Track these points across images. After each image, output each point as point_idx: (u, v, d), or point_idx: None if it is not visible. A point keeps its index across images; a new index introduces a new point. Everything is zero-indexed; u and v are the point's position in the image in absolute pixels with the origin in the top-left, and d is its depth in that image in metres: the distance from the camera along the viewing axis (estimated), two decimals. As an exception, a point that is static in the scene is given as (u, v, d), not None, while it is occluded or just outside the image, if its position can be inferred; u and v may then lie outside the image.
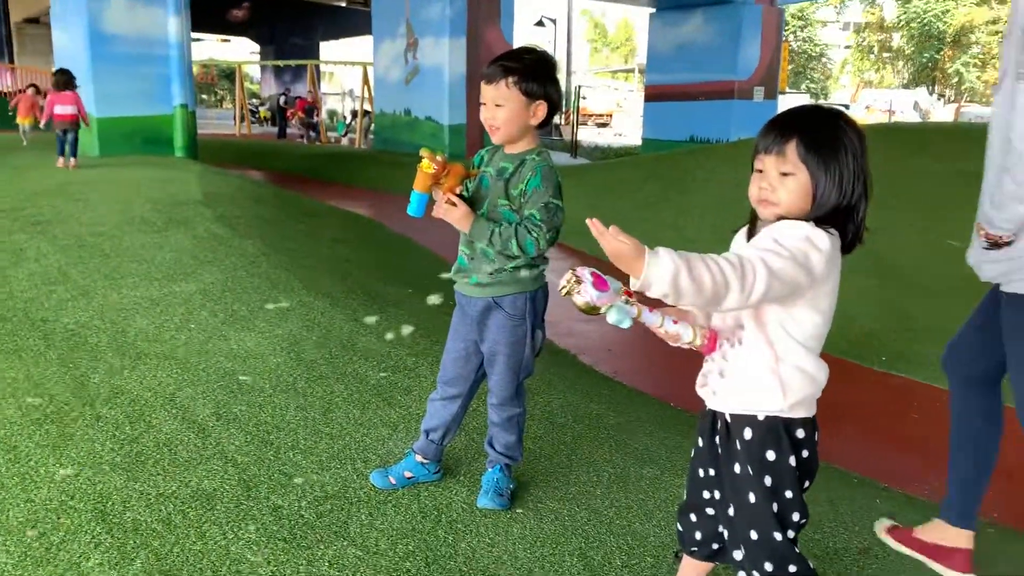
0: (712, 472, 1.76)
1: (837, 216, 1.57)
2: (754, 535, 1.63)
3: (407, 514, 2.35)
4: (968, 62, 43.39)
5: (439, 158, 2.19)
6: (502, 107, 2.18)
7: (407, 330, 3.98)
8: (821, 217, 1.56)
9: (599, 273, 1.51)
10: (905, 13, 44.59)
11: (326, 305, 4.22)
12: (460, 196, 2.24)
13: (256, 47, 36.33)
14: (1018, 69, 1.81)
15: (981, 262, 2.10)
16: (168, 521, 2.24)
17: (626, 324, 1.53)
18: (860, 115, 32.87)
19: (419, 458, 2.49)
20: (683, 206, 8.86)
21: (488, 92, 2.20)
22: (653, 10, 19.58)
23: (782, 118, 1.62)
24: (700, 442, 1.81)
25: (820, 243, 1.52)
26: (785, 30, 19.90)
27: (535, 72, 2.17)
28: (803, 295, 1.54)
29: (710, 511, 1.81)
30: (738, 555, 1.68)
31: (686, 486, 1.87)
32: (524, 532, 2.28)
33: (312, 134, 24.12)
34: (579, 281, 1.49)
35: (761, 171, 1.61)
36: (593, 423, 3.17)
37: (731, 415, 1.66)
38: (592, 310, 1.49)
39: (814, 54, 49.04)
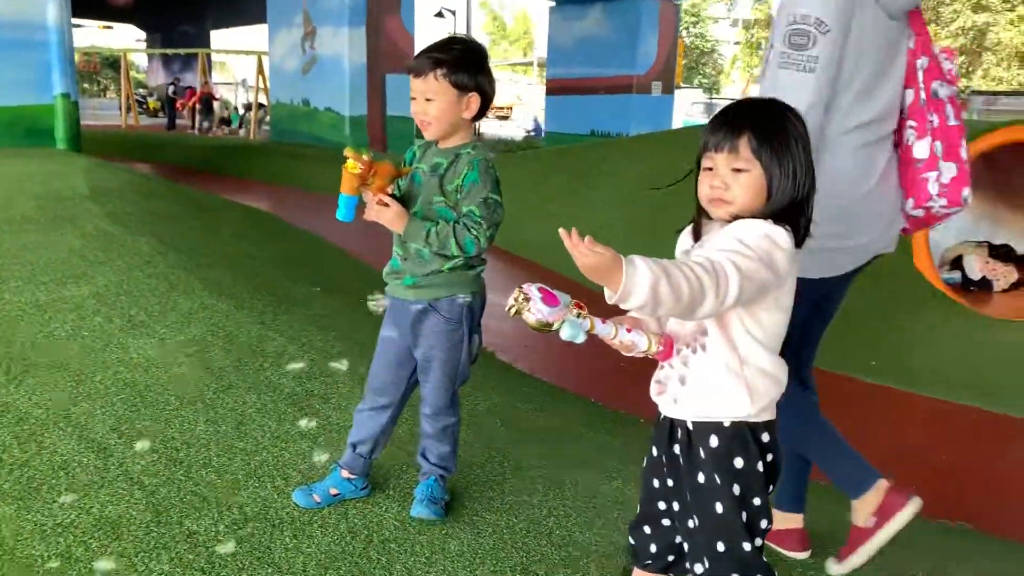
0: (670, 482, 1.68)
1: (791, 211, 1.52)
2: (721, 546, 1.57)
3: (335, 535, 2.19)
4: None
5: (365, 157, 2.04)
6: (433, 101, 2.07)
7: (320, 333, 3.79)
8: (776, 213, 1.51)
9: (547, 288, 1.42)
10: (791, 11, 46.23)
11: (230, 307, 3.98)
12: (391, 195, 2.10)
13: (142, 34, 34.72)
14: (779, 60, 1.97)
15: None
16: (68, 555, 2.02)
17: (580, 339, 1.43)
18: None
19: (345, 473, 2.34)
20: (590, 200, 8.87)
21: (417, 86, 2.08)
22: (553, 3, 19.65)
23: (730, 113, 1.56)
24: (654, 451, 1.73)
25: (781, 241, 1.48)
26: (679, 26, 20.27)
27: (465, 63, 2.06)
28: (769, 295, 1.49)
29: (666, 522, 1.74)
30: (699, 568, 1.61)
31: (639, 497, 1.79)
32: (462, 548, 2.16)
33: (205, 124, 23.22)
34: (527, 299, 1.39)
35: (711, 169, 1.54)
36: (522, 426, 3.08)
37: (693, 423, 1.59)
38: (544, 327, 1.40)
39: (706, 50, 50.40)
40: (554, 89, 19.71)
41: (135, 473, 2.42)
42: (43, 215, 5.40)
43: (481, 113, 2.14)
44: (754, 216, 1.51)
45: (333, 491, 2.34)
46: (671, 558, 1.76)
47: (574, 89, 18.89)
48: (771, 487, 1.61)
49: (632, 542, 1.81)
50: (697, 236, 1.66)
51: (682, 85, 30.51)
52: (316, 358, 3.44)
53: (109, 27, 37.24)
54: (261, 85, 21.45)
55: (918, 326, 5.65)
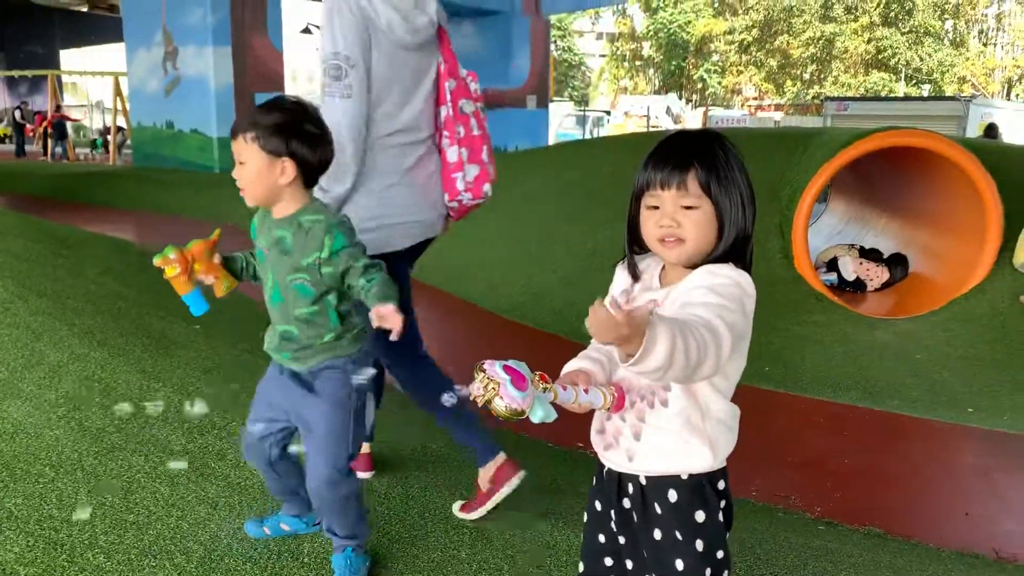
0: (621, 539, 1.58)
1: (742, 245, 1.45)
2: None
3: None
4: (710, 69, 47.45)
5: (172, 256, 1.94)
6: (244, 164, 1.94)
7: (207, 378, 3.52)
8: (729, 250, 1.44)
9: (511, 366, 1.27)
10: (653, 23, 48.00)
11: (105, 355, 3.65)
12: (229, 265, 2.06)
13: (-19, 55, 32.44)
14: (326, 90, 2.36)
15: None
16: (-69, 674, 1.74)
17: (551, 417, 1.30)
18: (619, 121, 34.92)
19: (294, 511, 2.30)
20: (479, 218, 8.77)
21: (233, 147, 1.96)
22: (424, 19, 19.55)
23: (672, 148, 1.47)
24: (597, 506, 1.63)
25: (748, 287, 1.41)
26: (550, 40, 20.57)
27: (277, 128, 1.91)
28: (741, 344, 1.41)
29: (613, 580, 1.64)
30: (660, 626, 1.52)
31: (583, 556, 1.68)
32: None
33: (59, 150, 21.82)
34: (495, 384, 1.24)
35: (657, 207, 1.46)
36: (435, 466, 2.93)
37: (647, 477, 1.49)
38: (516, 415, 1.25)
39: (574, 63, 51.52)
40: (429, 104, 19.58)
41: (8, 563, 2.13)
42: None
43: (310, 178, 2.00)
44: (709, 257, 1.44)
45: (284, 526, 2.30)
46: (622, 616, 1.66)
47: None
48: (727, 533, 1.54)
49: (579, 604, 1.69)
50: (634, 274, 1.58)
51: (554, 98, 31.01)
52: (208, 409, 3.18)
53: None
54: (119, 107, 20.40)
55: (802, 328, 5.83)
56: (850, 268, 7.19)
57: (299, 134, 1.93)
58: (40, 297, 4.54)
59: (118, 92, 20.01)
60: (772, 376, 5.11)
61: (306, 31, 28.67)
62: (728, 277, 1.40)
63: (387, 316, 1.86)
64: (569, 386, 1.36)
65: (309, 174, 1.99)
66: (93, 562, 2.16)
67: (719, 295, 1.36)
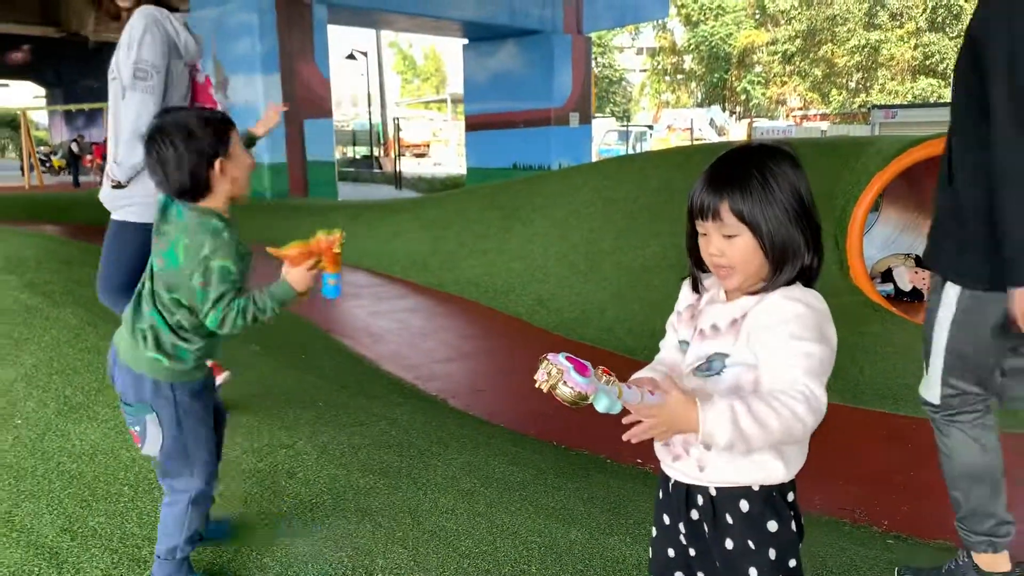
0: (692, 552, 1.59)
1: (798, 261, 1.43)
2: None
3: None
4: (753, 80, 47.10)
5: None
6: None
7: (270, 398, 3.60)
8: (785, 269, 1.42)
9: (573, 356, 1.32)
10: (694, 37, 47.84)
11: (174, 378, 3.75)
12: None
13: (40, 91, 33.54)
14: (132, 83, 3.06)
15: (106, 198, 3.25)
16: None
17: (616, 409, 1.34)
18: (663, 135, 34.82)
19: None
20: (526, 235, 8.83)
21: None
22: (466, 41, 19.77)
23: (710, 175, 1.47)
24: (665, 519, 1.63)
25: (821, 305, 1.42)
26: (591, 57, 20.63)
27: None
28: None
29: (684, 593, 1.64)
30: (735, 637, 1.52)
31: (651, 570, 1.68)
32: (468, 632, 2.02)
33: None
34: (559, 371, 1.29)
35: (705, 235, 1.48)
36: (502, 485, 2.95)
37: (718, 488, 1.50)
38: (581, 400, 1.29)
39: (615, 79, 51.56)
40: (473, 125, 19.78)
41: (94, 579, 2.20)
42: (-46, 292, 5.05)
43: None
44: (773, 283, 1.44)
45: None
46: (697, 628, 1.67)
47: (493, 124, 18.99)
48: (800, 544, 1.55)
49: (652, 620, 1.70)
50: (696, 288, 1.60)
51: (596, 115, 31.07)
52: (272, 428, 3.25)
53: (4, 85, 35.92)
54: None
55: (859, 340, 5.75)
56: (906, 278, 7.08)
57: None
58: (107, 323, 4.68)
59: (171, 122, 20.52)
60: (830, 388, 5.03)
61: (351, 57, 29.19)
62: (801, 303, 1.40)
63: None
64: (634, 387, 1.38)
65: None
66: (175, 578, 2.22)
67: (800, 339, 1.37)
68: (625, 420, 1.39)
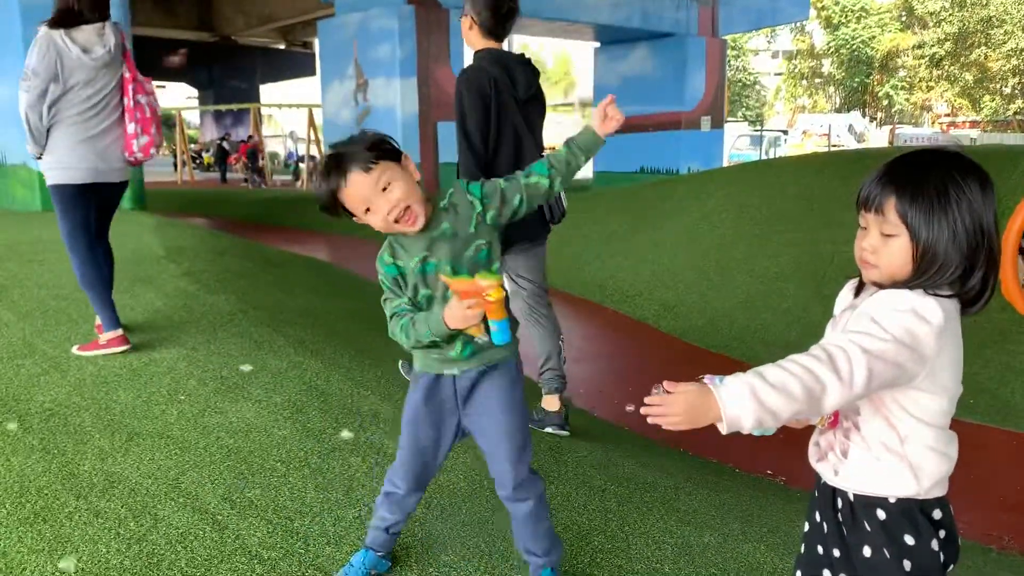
0: (836, 552, 1.57)
1: (952, 277, 1.38)
2: None
3: (465, 609, 2.11)
4: (896, 85, 44.96)
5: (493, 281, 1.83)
6: (393, 188, 1.87)
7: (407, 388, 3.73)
8: (929, 280, 1.38)
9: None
10: (834, 40, 46.09)
11: (319, 365, 3.96)
12: None
13: (193, 92, 35.73)
14: (22, 87, 3.77)
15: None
16: (199, 637, 1.97)
17: (771, 430, 1.34)
18: (797, 140, 33.70)
19: (381, 553, 2.23)
20: (654, 239, 8.78)
21: (365, 182, 1.87)
22: (598, 44, 19.76)
23: (884, 169, 1.43)
24: (817, 517, 1.63)
25: (930, 316, 1.34)
26: (725, 60, 20.21)
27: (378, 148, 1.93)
28: (919, 375, 1.37)
29: (829, 590, 1.63)
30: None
31: (798, 566, 1.68)
32: (602, 623, 2.06)
33: (256, 178, 23.66)
34: None
35: (865, 228, 1.44)
36: (633, 484, 2.97)
37: (856, 495, 1.49)
38: None
39: (748, 82, 50.28)
40: (602, 128, 19.71)
41: (252, 546, 2.37)
42: (123, 276, 5.46)
43: None
44: (900, 283, 1.39)
45: (373, 573, 2.22)
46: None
47: (622, 127, 18.88)
48: (951, 566, 1.50)
49: (801, 611, 1.69)
50: (859, 292, 1.58)
51: (728, 119, 30.44)
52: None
53: (162, 86, 38.47)
54: (312, 137, 21.87)
55: (1011, 359, 5.43)
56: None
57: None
58: (258, 310, 4.98)
59: (311, 123, 21.51)
60: (978, 408, 4.80)
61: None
62: (906, 303, 1.35)
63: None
64: None
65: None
66: (325, 551, 2.36)
67: (875, 323, 1.33)
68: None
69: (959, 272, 1.37)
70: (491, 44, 3.52)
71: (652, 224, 9.20)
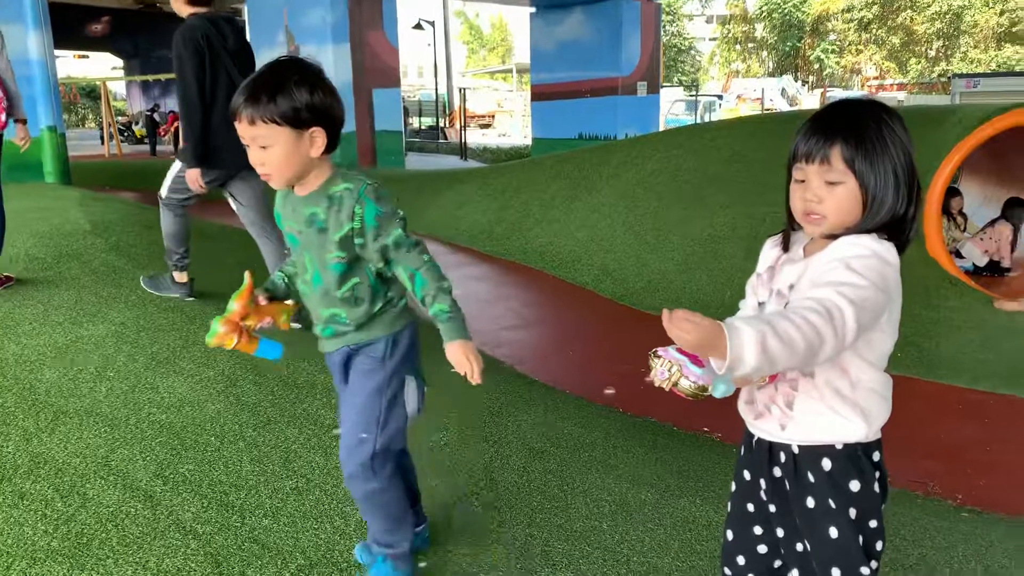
0: (772, 507, 1.61)
1: (893, 222, 1.43)
2: (836, 572, 1.49)
3: None
4: (827, 48, 45.73)
5: (223, 330, 1.80)
6: (268, 148, 1.76)
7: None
8: (879, 223, 1.42)
9: (684, 349, 1.31)
10: (766, 4, 46.58)
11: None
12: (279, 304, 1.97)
13: (119, 62, 34.47)
14: None
15: None
16: (132, 615, 1.93)
17: (731, 391, 1.35)
18: (732, 105, 34.11)
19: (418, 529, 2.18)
20: (592, 204, 8.81)
21: (243, 131, 1.76)
22: (533, 10, 19.61)
23: (821, 120, 1.46)
24: (746, 475, 1.65)
25: (890, 257, 1.39)
26: (660, 25, 20.25)
27: (299, 98, 1.74)
28: (882, 318, 1.41)
29: (762, 549, 1.66)
30: (811, 594, 1.54)
31: (729, 525, 1.71)
32: (541, 582, 2.08)
33: (187, 149, 22.99)
34: (678, 365, 1.29)
35: (803, 181, 1.46)
36: (572, 445, 3.00)
37: (800, 447, 1.51)
38: (702, 391, 1.30)
39: (683, 47, 50.57)
40: (539, 94, 19.66)
41: (187, 521, 2.33)
42: (47, 252, 5.29)
43: (332, 144, 1.83)
44: (852, 229, 1.43)
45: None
46: (771, 583, 1.69)
47: (560, 94, 18.85)
48: (884, 504, 1.55)
49: (727, 573, 1.73)
50: (786, 247, 1.59)
51: (663, 84, 30.60)
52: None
53: (85, 56, 36.99)
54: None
55: (936, 314, 5.61)
56: (977, 251, 6.84)
57: (320, 98, 1.77)
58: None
59: (243, 92, 20.89)
60: (905, 362, 4.95)
61: (418, 27, 29.24)
62: (868, 248, 1.38)
63: (461, 363, 1.82)
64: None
65: (333, 139, 1.83)
66: (261, 524, 2.33)
67: (853, 270, 1.34)
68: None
69: (901, 211, 1.42)
70: (198, 10, 4.04)
71: (590, 189, 9.22)
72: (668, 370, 1.29)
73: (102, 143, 25.20)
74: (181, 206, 4.47)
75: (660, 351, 1.30)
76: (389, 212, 1.84)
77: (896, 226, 1.43)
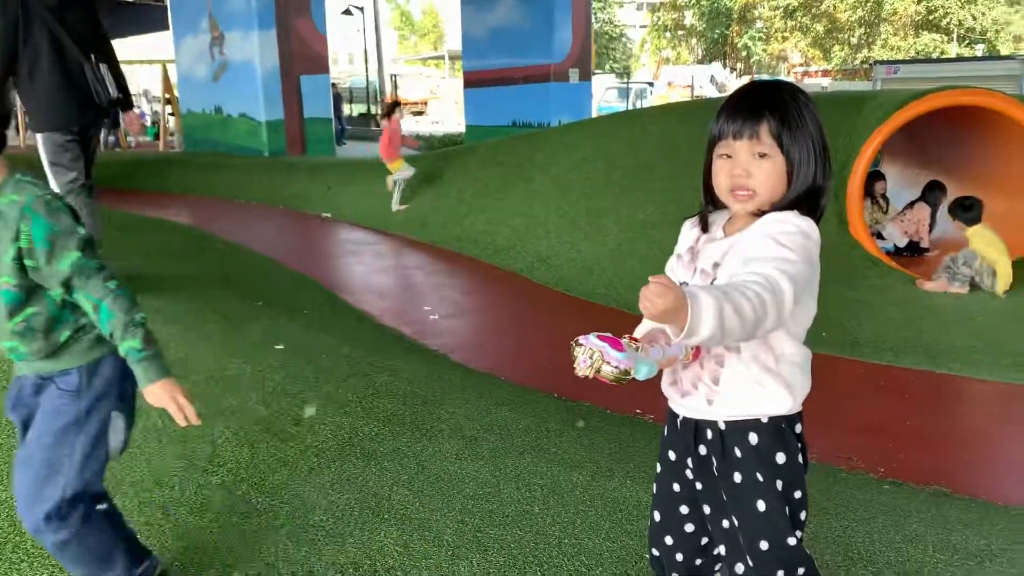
0: (698, 485, 1.63)
1: (811, 196, 1.48)
2: (764, 544, 1.52)
3: (334, 571, 2.08)
4: (754, 36, 46.60)
5: None
6: None
7: (276, 354, 3.64)
8: (798, 200, 1.46)
9: (604, 334, 1.32)
10: (695, -9, 47.24)
11: (178, 332, 3.79)
12: None
13: None
14: None
15: None
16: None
17: (655, 372, 1.36)
18: (663, 92, 34.52)
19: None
20: (526, 192, 8.81)
21: None
22: (463, -5, 19.51)
23: (745, 99, 1.51)
24: (671, 455, 1.67)
25: (813, 233, 1.44)
26: (591, 12, 20.34)
27: None
28: (807, 291, 1.44)
29: (689, 528, 1.69)
30: (740, 568, 1.57)
31: (655, 506, 1.72)
32: (473, 571, 2.07)
33: (110, 139, 22.28)
34: (599, 352, 1.29)
35: (730, 157, 1.49)
36: (505, 431, 3.00)
37: (727, 422, 1.54)
38: (624, 375, 1.30)
39: (615, 35, 50.96)
40: (472, 81, 19.57)
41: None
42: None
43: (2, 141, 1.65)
44: (776, 205, 1.47)
45: None
46: (698, 562, 1.72)
47: (492, 80, 18.80)
48: (806, 474, 1.59)
49: (655, 553, 1.75)
50: (704, 227, 1.61)
51: (595, 71, 30.77)
52: (276, 378, 3.29)
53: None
54: (168, 95, 20.72)
55: (858, 293, 5.78)
56: (897, 232, 7.05)
57: None
58: (111, 277, 4.71)
59: (166, 80, 20.35)
60: (829, 341, 5.08)
61: (347, 12, 28.82)
62: (793, 224, 1.42)
63: (168, 406, 1.65)
64: (655, 344, 1.40)
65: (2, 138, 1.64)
66: (185, 519, 2.27)
67: (783, 245, 1.38)
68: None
69: (820, 183, 1.47)
70: None
71: (524, 177, 9.22)
72: (590, 358, 1.29)
73: (18, 133, 24.20)
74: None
75: (581, 339, 1.30)
76: (65, 229, 1.59)
77: (814, 198, 1.48)
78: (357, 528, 2.25)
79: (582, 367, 1.30)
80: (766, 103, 1.47)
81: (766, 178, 1.46)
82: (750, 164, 1.46)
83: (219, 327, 3.99)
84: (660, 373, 1.57)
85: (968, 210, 5.75)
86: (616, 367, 1.28)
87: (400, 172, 9.39)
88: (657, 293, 1.20)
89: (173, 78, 18.56)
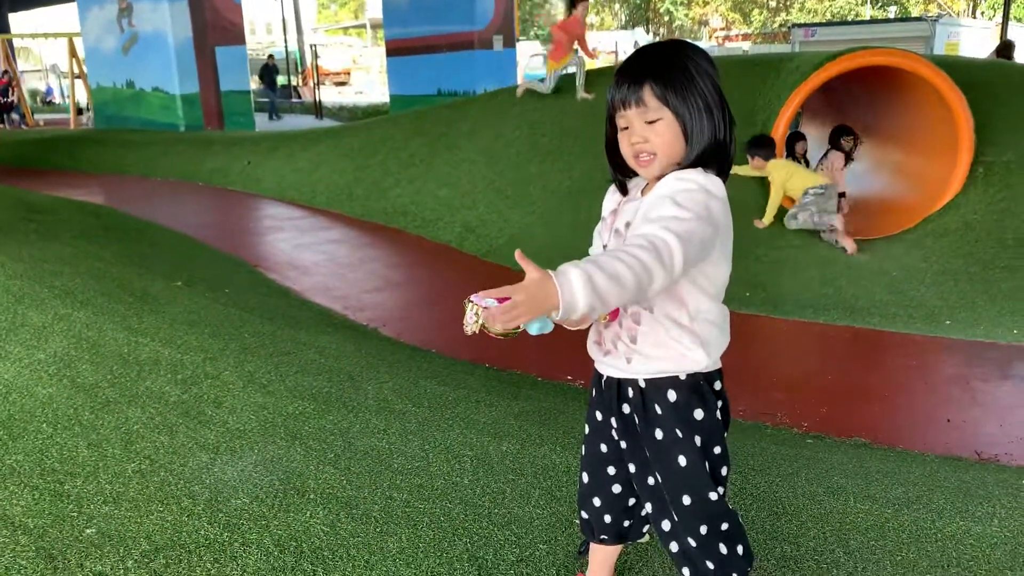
0: (623, 444, 1.63)
1: (716, 150, 1.47)
2: (687, 499, 1.53)
3: (261, 552, 2.02)
4: (676, 1, 46.84)
5: None
6: None
7: (194, 332, 3.52)
8: (702, 156, 1.46)
9: (495, 294, 1.30)
10: (616, -43, 47.15)
11: (89, 314, 3.63)
12: None
13: None
14: None
15: None
16: (-47, 624, 1.76)
17: (548, 328, 1.34)
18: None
19: None
20: (452, 160, 8.72)
21: None
22: (383, -38, 19.08)
23: (629, 66, 1.50)
24: (598, 416, 1.67)
25: (716, 190, 1.43)
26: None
27: None
28: (715, 249, 1.43)
29: (616, 488, 1.69)
30: (666, 525, 1.58)
31: (584, 468, 1.73)
32: (402, 545, 2.04)
33: (15, 117, 21.23)
34: (486, 309, 1.27)
35: (627, 128, 1.48)
36: (434, 404, 2.96)
37: (646, 380, 1.53)
38: (513, 331, 1.28)
39: (538, 1, 50.60)
40: (394, 50, 19.22)
41: (15, 516, 2.14)
42: None
43: None
44: (682, 164, 1.46)
45: None
46: (627, 523, 1.73)
47: (415, 49, 18.51)
48: (726, 431, 1.60)
49: (584, 516, 1.75)
50: (624, 191, 1.60)
51: (519, 38, 30.51)
52: (197, 360, 3.19)
53: None
54: (76, 70, 19.86)
55: (779, 253, 5.89)
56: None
57: None
58: (16, 262, 4.49)
59: (73, 53, 19.47)
60: (752, 301, 5.18)
61: (263, -19, 27.92)
62: (694, 182, 1.42)
63: None
64: None
65: None
66: (101, 510, 2.18)
67: (678, 204, 1.37)
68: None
69: (721, 137, 1.46)
70: None
71: (450, 146, 9.11)
72: (476, 314, 1.27)
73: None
74: None
75: (473, 298, 1.28)
76: None
77: (720, 154, 1.47)
78: (281, 510, 2.19)
79: (469, 324, 1.28)
80: (648, 67, 1.46)
81: (661, 141, 1.45)
82: (645, 131, 1.46)
83: (134, 309, 3.84)
84: (587, 331, 1.57)
85: (762, 147, 6.13)
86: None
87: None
88: (513, 304, 1.22)
89: (81, 52, 17.75)
